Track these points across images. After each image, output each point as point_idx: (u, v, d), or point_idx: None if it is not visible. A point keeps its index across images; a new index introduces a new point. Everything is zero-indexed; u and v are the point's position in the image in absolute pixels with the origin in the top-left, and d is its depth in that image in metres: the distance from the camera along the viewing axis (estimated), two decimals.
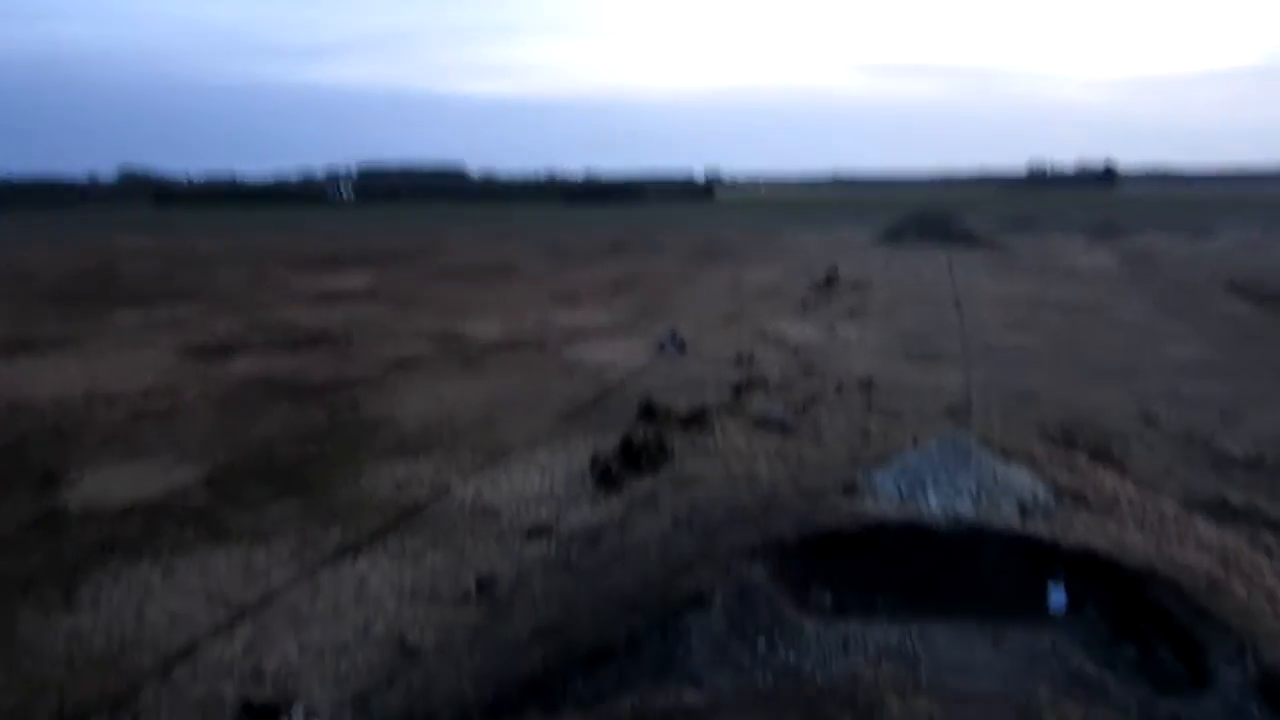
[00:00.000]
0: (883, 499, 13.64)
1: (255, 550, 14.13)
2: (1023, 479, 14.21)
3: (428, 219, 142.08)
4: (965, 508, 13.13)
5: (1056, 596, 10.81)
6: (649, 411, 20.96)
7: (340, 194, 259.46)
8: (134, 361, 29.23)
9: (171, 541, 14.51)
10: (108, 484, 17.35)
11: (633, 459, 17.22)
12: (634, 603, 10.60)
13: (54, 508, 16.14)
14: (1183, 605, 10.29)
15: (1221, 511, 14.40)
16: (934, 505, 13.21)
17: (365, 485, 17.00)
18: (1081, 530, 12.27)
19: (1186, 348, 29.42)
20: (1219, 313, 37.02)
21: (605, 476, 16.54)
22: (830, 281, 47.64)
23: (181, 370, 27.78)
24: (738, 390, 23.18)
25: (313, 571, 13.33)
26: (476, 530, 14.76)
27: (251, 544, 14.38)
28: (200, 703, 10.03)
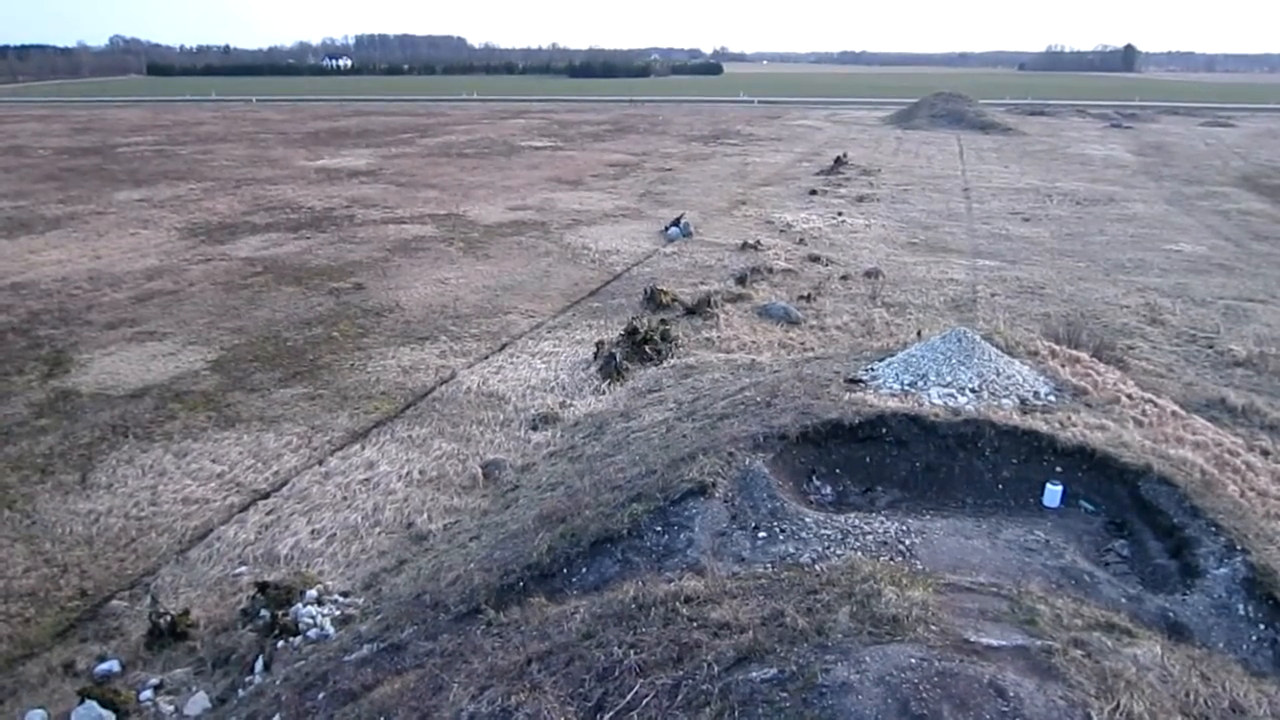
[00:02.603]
0: (885, 391, 13.75)
1: (265, 435, 14.36)
2: (1025, 375, 14.28)
3: (428, 92, 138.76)
4: (966, 402, 13.24)
5: (1051, 492, 11.00)
6: (654, 299, 20.95)
7: (338, 65, 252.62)
8: (136, 242, 29.04)
9: (183, 425, 14.73)
10: (117, 366, 17.50)
11: (637, 347, 17.29)
12: (637, 491, 10.80)
13: (65, 390, 16.32)
14: (1176, 503, 10.49)
15: (1220, 411, 14.51)
16: (935, 399, 13.31)
17: (372, 371, 17.14)
18: (1080, 427, 12.39)
19: (1196, 243, 29.11)
20: (1231, 207, 36.45)
21: (610, 364, 16.64)
22: (838, 166, 46.79)
23: (185, 251, 27.62)
24: (743, 279, 23.08)
25: (322, 457, 13.58)
26: (483, 417, 14.95)
27: (261, 429, 14.60)
28: (216, 584, 10.39)
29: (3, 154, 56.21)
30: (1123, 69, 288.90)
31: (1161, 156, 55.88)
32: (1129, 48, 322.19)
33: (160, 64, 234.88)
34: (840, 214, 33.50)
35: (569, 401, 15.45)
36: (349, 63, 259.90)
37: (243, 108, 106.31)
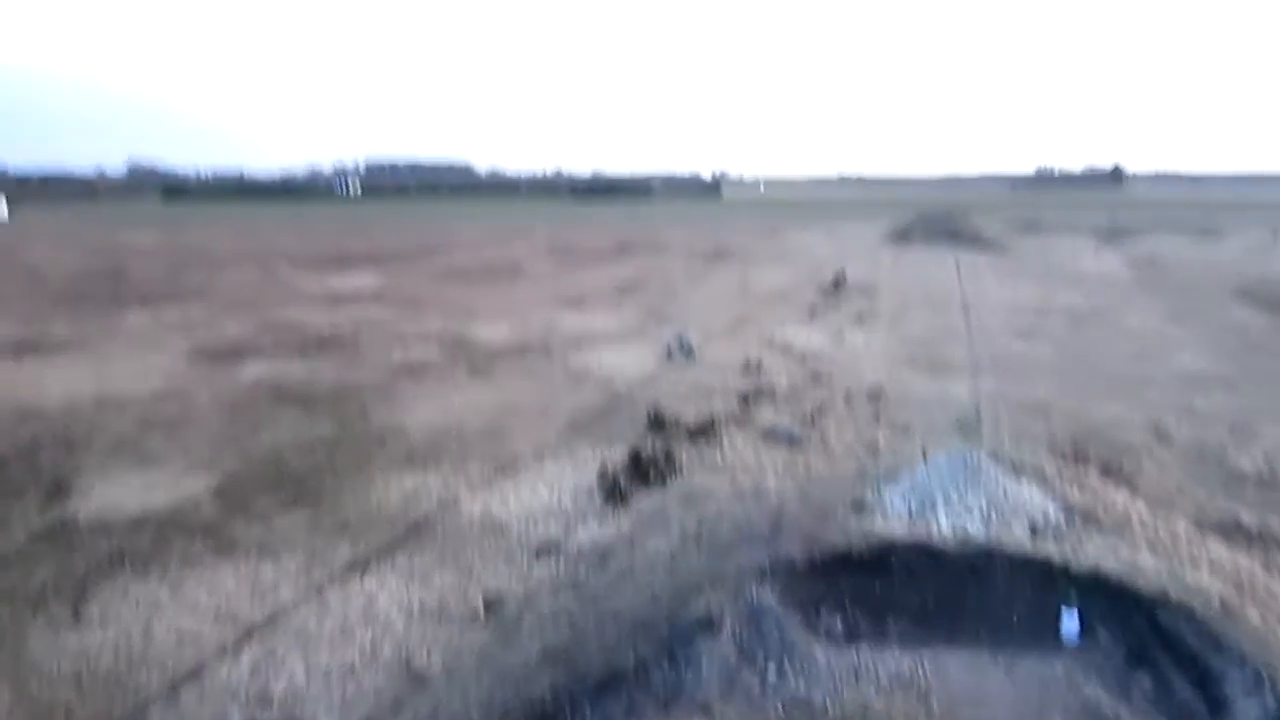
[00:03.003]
0: (892, 517, 13.57)
1: (263, 565, 14.12)
2: (1034, 497, 14.12)
3: (435, 216, 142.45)
4: (976, 527, 13.04)
5: (1069, 623, 10.73)
6: (657, 422, 20.91)
7: (348, 190, 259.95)
8: (143, 365, 29.25)
9: (180, 555, 14.50)
10: (117, 494, 17.36)
11: (641, 472, 17.17)
12: (643, 626, 10.55)
13: (63, 518, 16.14)
14: (1197, 632, 10.21)
15: (1235, 532, 14.28)
16: (944, 524, 13.12)
17: (374, 497, 16.98)
18: (1093, 551, 12.19)
19: (1197, 358, 29.25)
20: (1229, 321, 36.80)
21: (614, 490, 16.49)
22: (838, 285, 47.49)
23: (191, 374, 27.79)
24: (746, 399, 23.11)
25: (320, 589, 13.31)
26: (484, 547, 14.72)
27: (259, 558, 14.37)
28: None
29: (17, 277, 57.30)
30: (1111, 188, 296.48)
31: (1156, 271, 56.74)
32: (1116, 168, 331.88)
33: (176, 188, 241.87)
34: (841, 332, 33.82)
35: (572, 529, 15.25)
36: (359, 186, 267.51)
37: (254, 230, 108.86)
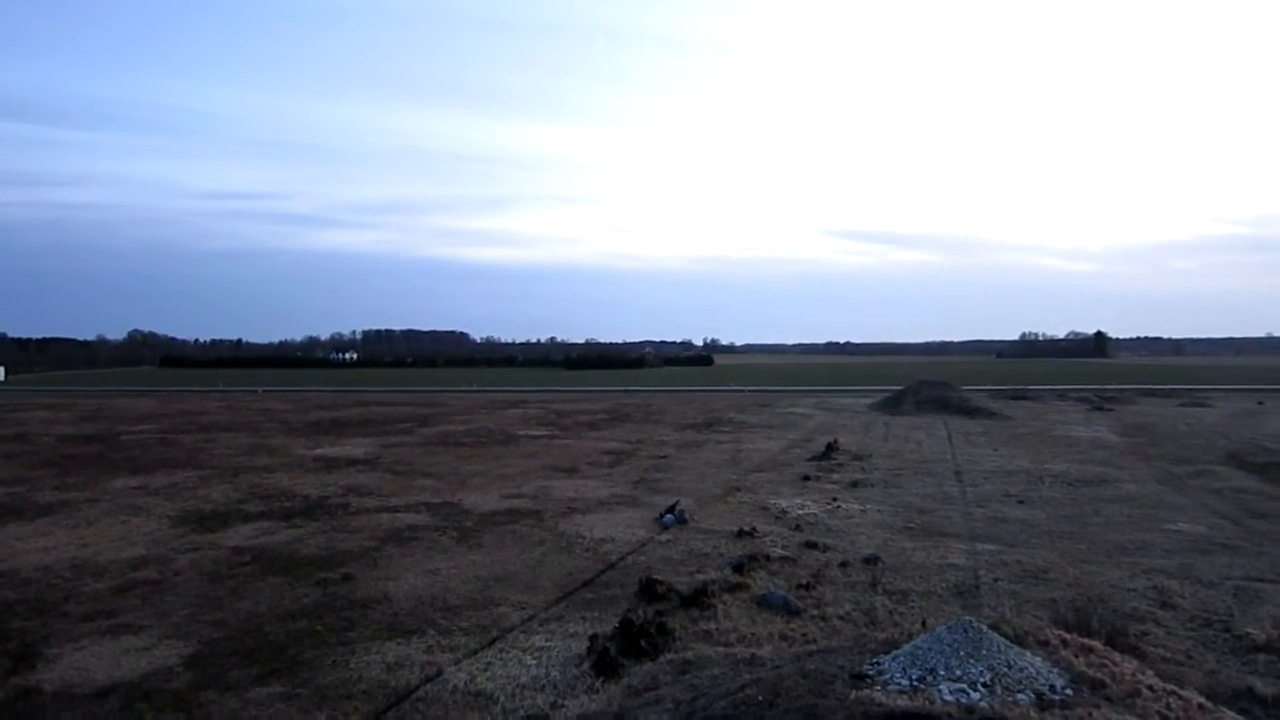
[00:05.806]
0: (892, 688, 13.05)
1: None
2: (1038, 666, 13.63)
3: (430, 384, 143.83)
4: (979, 698, 12.53)
5: None
6: (649, 589, 20.41)
7: (344, 358, 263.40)
8: (126, 530, 28.76)
9: None
10: (86, 662, 16.68)
11: (632, 641, 16.58)
12: None
13: (27, 688, 15.43)
14: None
15: (1249, 702, 13.72)
16: (947, 695, 12.61)
17: (354, 667, 16.32)
18: None
19: (1194, 522, 28.99)
20: (1223, 485, 36.69)
21: (604, 660, 15.88)
22: (830, 452, 47.54)
23: (174, 540, 27.28)
24: (740, 567, 22.65)
25: None
26: None
27: None
28: None
29: (8, 441, 57.14)
30: (1095, 354, 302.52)
31: (1146, 436, 57.04)
32: (1099, 334, 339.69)
33: (173, 356, 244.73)
34: (835, 499, 33.57)
35: (560, 702, 14.60)
36: (354, 356, 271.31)
37: (248, 397, 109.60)
